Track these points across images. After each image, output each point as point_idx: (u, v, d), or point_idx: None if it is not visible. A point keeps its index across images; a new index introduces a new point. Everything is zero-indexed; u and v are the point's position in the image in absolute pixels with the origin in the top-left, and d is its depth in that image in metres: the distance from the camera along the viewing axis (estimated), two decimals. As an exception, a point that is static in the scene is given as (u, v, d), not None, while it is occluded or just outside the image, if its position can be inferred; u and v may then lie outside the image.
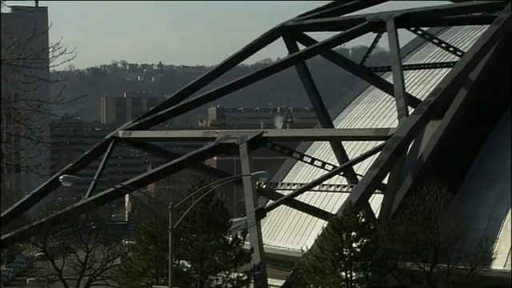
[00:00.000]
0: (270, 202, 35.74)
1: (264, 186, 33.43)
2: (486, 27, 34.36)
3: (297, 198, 33.93)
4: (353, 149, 39.04)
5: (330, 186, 32.01)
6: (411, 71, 41.06)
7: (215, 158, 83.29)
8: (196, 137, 41.67)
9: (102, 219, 36.08)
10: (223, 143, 34.08)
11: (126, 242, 40.47)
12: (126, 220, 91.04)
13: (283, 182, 38.15)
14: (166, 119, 42.32)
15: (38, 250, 38.64)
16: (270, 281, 29.29)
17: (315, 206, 36.54)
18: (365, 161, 33.17)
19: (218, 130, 37.39)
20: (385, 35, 36.17)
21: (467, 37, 41.84)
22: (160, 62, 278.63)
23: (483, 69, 33.18)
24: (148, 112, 39.91)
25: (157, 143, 42.02)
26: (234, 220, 40.48)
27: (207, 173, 39.57)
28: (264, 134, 33.66)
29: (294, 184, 34.55)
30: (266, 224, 40.22)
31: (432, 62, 40.86)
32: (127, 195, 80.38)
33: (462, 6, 37.28)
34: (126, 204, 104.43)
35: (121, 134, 37.87)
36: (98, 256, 32.81)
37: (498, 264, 30.46)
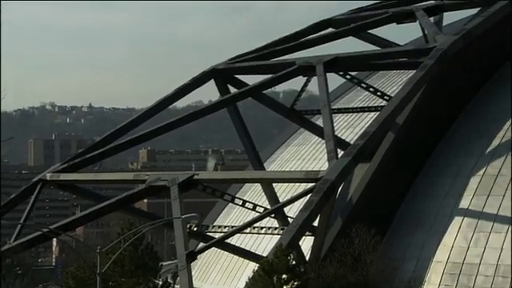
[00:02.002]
0: (201, 244, 35.47)
1: (195, 229, 33.19)
2: (412, 72, 35.25)
3: (228, 240, 33.76)
4: (284, 191, 39.23)
5: (261, 228, 31.99)
6: (340, 114, 41.73)
7: (145, 200, 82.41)
8: (126, 179, 41.17)
9: (29, 264, 35.21)
10: (154, 185, 33.78)
11: (53, 287, 39.50)
12: (54, 264, 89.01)
13: (214, 224, 37.96)
14: (96, 161, 41.73)
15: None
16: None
17: (246, 248, 36.43)
18: (295, 203, 33.35)
19: (148, 172, 37.05)
20: (314, 79, 36.72)
21: (394, 82, 42.87)
22: (90, 104, 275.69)
23: (410, 113, 33.97)
24: (77, 154, 39.34)
25: (86, 186, 41.33)
26: (165, 263, 39.98)
27: (137, 215, 39.06)
28: (195, 176, 33.52)
29: (225, 226, 34.43)
30: (196, 267, 39.83)
31: (360, 105, 41.63)
32: (55, 239, 78.64)
33: (388, 52, 38.26)
34: (54, 248, 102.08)
35: (48, 176, 37.17)
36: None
37: (426, 305, 30.86)
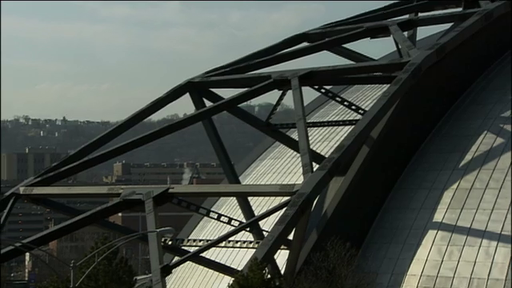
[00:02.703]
0: (176, 258, 35.31)
1: (170, 243, 33.05)
2: (386, 86, 35.50)
3: (203, 254, 33.65)
4: (259, 205, 39.22)
5: (236, 242, 31.91)
6: (315, 128, 41.87)
7: (120, 214, 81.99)
8: (100, 193, 40.91)
9: (1, 278, 34.78)
10: (128, 199, 33.60)
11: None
12: (26, 279, 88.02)
13: (189, 238, 37.82)
14: (70, 175, 41.40)
15: None
16: None
17: (221, 262, 36.31)
18: (271, 217, 33.34)
19: (123, 186, 36.83)
20: (290, 93, 36.84)
21: (369, 96, 43.14)
22: (64, 117, 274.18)
23: (384, 127, 34.17)
24: (51, 168, 39.04)
25: (60, 199, 40.99)
26: (139, 278, 39.81)
27: (111, 229, 38.84)
28: (170, 190, 33.40)
29: (201, 240, 34.32)
30: (171, 281, 39.62)
31: (335, 119, 41.80)
32: (27, 253, 77.88)
33: (363, 66, 38.49)
34: (27, 262, 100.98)
35: (22, 190, 36.81)
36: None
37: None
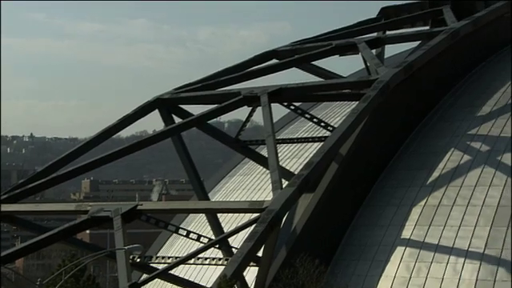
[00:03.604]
0: (145, 275, 35.04)
1: (138, 260, 32.80)
2: (354, 103, 35.74)
3: (172, 271, 33.43)
4: (228, 221, 39.13)
5: (205, 258, 31.78)
6: (285, 145, 41.97)
7: (88, 231, 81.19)
8: (68, 210, 40.54)
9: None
10: (96, 216, 33.32)
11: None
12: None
13: (158, 255, 37.55)
14: (37, 192, 41.02)
15: None
16: None
17: (190, 279, 36.12)
18: (240, 233, 33.27)
19: (91, 203, 36.53)
20: (259, 109, 36.92)
21: (337, 113, 43.38)
22: (31, 134, 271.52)
23: (353, 144, 34.35)
24: (18, 185, 38.59)
25: (26, 217, 40.53)
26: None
27: (79, 247, 38.44)
28: (139, 207, 33.19)
29: (169, 257, 34.08)
30: (139, 299, 39.27)
31: (304, 136, 41.94)
32: (-7, 271, 76.77)
33: (331, 83, 38.74)
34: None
35: (-12, 207, 36.32)
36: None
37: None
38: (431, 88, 38.30)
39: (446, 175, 34.56)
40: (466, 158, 34.90)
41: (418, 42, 40.96)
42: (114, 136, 42.67)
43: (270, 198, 31.92)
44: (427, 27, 43.58)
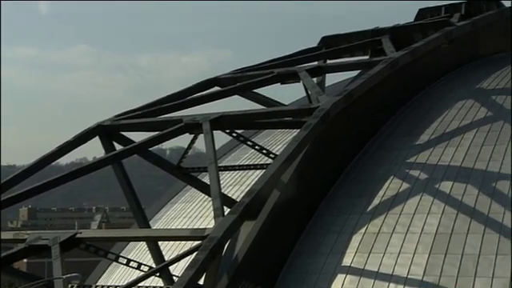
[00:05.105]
0: (83, 305, 34.41)
1: (77, 289, 32.22)
2: (296, 131, 36.02)
3: (111, 301, 32.93)
4: (169, 249, 38.82)
5: (146, 287, 31.41)
6: (227, 172, 41.97)
7: (25, 260, 79.42)
8: (5, 238, 39.55)
9: None
10: (34, 245, 32.66)
11: None
12: None
13: (97, 284, 37.01)
14: (-27, 220, 40.14)
15: None
16: None
17: (130, 308, 35.60)
18: (181, 261, 33.03)
19: (29, 231, 35.72)
20: (201, 136, 36.87)
21: (279, 140, 43.65)
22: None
23: (294, 171, 34.55)
24: (-48, 212, 37.64)
25: (-39, 245, 39.48)
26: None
27: (16, 276, 37.57)
28: (78, 235, 32.66)
29: (109, 286, 33.66)
30: (78, 329, 38.50)
31: (246, 163, 42.03)
32: None
33: (273, 111, 38.98)
34: None
35: None
36: None
37: None
38: (371, 116, 38.87)
39: (385, 203, 34.98)
40: (405, 185, 35.42)
41: (358, 71, 41.61)
42: (53, 163, 42.01)
43: (211, 226, 31.81)
44: (367, 57, 44.36)
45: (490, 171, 34.56)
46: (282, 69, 42.49)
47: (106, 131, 40.23)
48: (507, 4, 44.65)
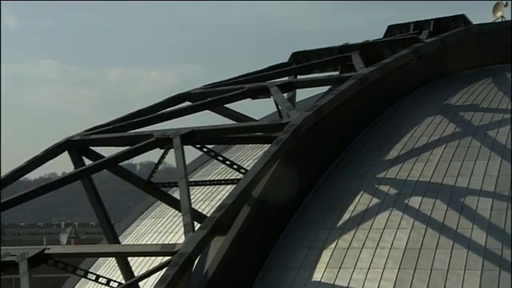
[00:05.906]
0: (51, 322, 34.03)
1: (45, 306, 31.88)
2: (267, 146, 36.09)
3: (80, 317, 32.62)
4: (139, 265, 38.53)
5: (115, 304, 31.15)
6: (198, 187, 41.81)
7: (-8, 276, 78.27)
8: (-28, 254, 39.09)
9: None
10: (1, 261, 32.20)
11: None
12: None
13: (66, 300, 36.63)
14: None
15: None
16: None
17: (99, 325, 35.29)
18: (151, 277, 32.80)
19: (-4, 247, 35.34)
20: (172, 151, 36.78)
21: (250, 155, 43.66)
22: None
23: (265, 186, 34.57)
24: None
25: None
26: None
27: (-17, 293, 37.02)
28: (46, 251, 32.26)
29: (78, 303, 33.32)
30: None
31: (217, 178, 41.91)
32: None
33: (244, 126, 38.98)
34: None
35: None
36: None
37: None
38: (341, 132, 39.05)
39: (355, 218, 35.10)
40: (375, 200, 35.58)
41: (328, 87, 41.88)
42: (22, 178, 41.55)
43: (181, 241, 31.68)
44: (337, 72, 44.67)
45: (458, 186, 34.82)
46: (253, 84, 42.55)
47: (76, 146, 39.89)
48: (474, 21, 45.26)
